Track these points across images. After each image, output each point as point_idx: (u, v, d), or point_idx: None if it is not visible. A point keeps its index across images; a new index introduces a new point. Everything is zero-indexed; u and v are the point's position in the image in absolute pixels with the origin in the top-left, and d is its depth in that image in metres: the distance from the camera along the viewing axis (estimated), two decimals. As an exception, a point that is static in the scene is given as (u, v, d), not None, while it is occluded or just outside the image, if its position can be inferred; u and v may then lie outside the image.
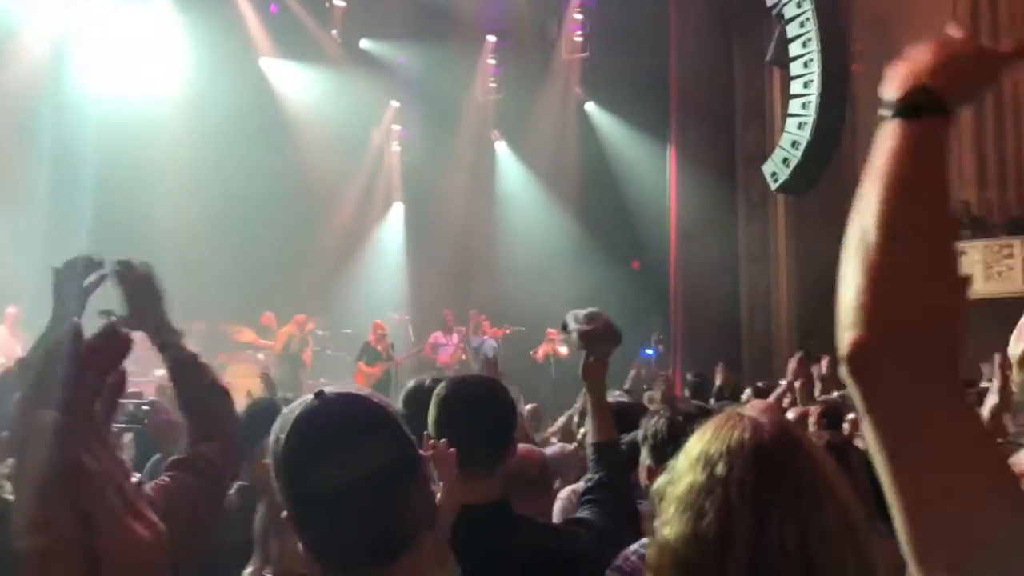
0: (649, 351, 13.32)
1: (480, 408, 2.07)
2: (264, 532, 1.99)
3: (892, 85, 0.86)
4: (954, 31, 0.94)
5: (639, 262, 14.55)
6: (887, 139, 0.83)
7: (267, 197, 12.13)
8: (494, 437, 2.07)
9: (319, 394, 1.25)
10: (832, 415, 3.97)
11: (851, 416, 4.14)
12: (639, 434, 2.49)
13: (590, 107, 15.65)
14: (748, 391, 6.14)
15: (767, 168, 12.43)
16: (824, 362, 5.50)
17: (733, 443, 1.05)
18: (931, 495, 0.73)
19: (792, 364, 4.84)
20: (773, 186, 12.51)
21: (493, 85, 15.60)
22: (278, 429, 1.24)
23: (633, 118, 14.73)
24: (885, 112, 0.84)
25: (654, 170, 14.52)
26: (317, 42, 14.10)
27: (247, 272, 11.69)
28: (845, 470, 2.42)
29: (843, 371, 0.78)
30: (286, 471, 1.21)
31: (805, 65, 11.71)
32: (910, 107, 0.83)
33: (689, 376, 8.22)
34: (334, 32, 14.25)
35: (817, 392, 5.10)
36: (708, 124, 14.19)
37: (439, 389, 2.11)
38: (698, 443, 1.10)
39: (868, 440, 0.77)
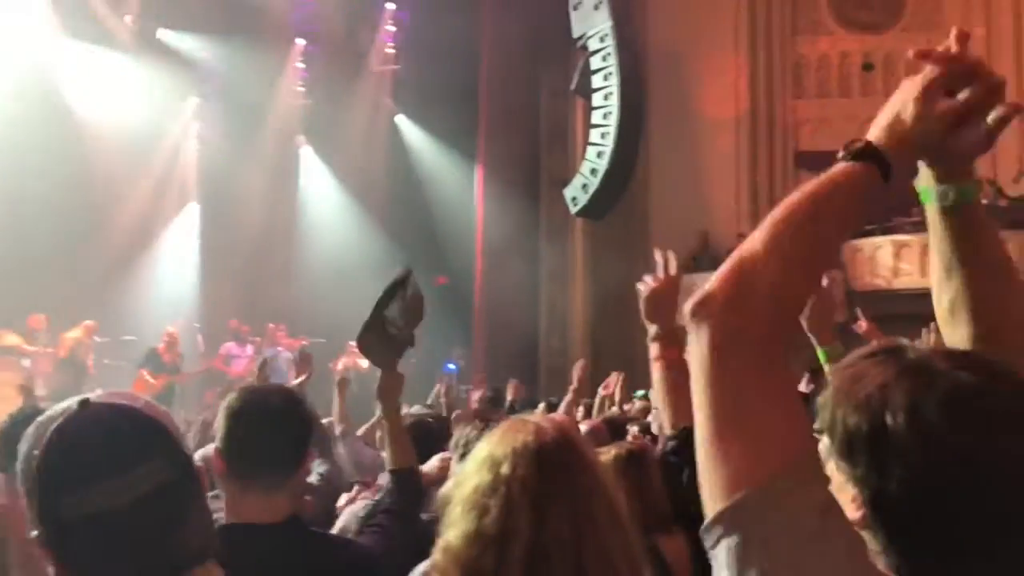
0: (451, 366, 13.47)
1: (272, 421, 1.96)
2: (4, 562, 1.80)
3: (861, 138, 0.96)
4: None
5: (446, 278, 14.68)
6: (835, 171, 0.94)
7: (43, 190, 11.13)
8: (286, 452, 1.96)
9: (83, 402, 1.10)
10: (614, 425, 4.22)
11: (634, 429, 4.41)
12: (451, 444, 2.50)
13: (400, 119, 15.65)
14: (541, 405, 6.33)
15: (568, 192, 12.95)
16: (615, 377, 5.75)
17: (518, 445, 1.12)
18: (728, 431, 0.83)
19: (576, 371, 5.08)
20: (573, 210, 13.05)
21: (301, 89, 15.21)
22: (32, 441, 1.08)
23: (442, 134, 14.88)
24: (841, 155, 0.95)
25: (462, 186, 14.75)
26: (109, 27, 13.14)
27: (15, 271, 10.67)
28: (643, 476, 2.60)
29: (685, 312, 0.88)
30: (40, 490, 1.06)
31: (605, 97, 12.34)
32: (850, 151, 0.94)
33: (482, 392, 8.39)
34: (128, 18, 13.35)
35: (607, 407, 5.36)
36: (515, 145, 14.61)
37: (230, 401, 1.99)
38: (485, 447, 1.17)
39: (694, 386, 0.86)
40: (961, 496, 0.78)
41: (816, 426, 0.91)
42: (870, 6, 14.84)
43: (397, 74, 15.30)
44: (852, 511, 0.85)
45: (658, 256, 2.17)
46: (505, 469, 1.11)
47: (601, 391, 5.01)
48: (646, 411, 4.87)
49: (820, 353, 2.25)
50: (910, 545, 0.82)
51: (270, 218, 14.63)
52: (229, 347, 12.01)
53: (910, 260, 13.13)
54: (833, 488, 0.86)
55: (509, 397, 7.30)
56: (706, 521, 0.85)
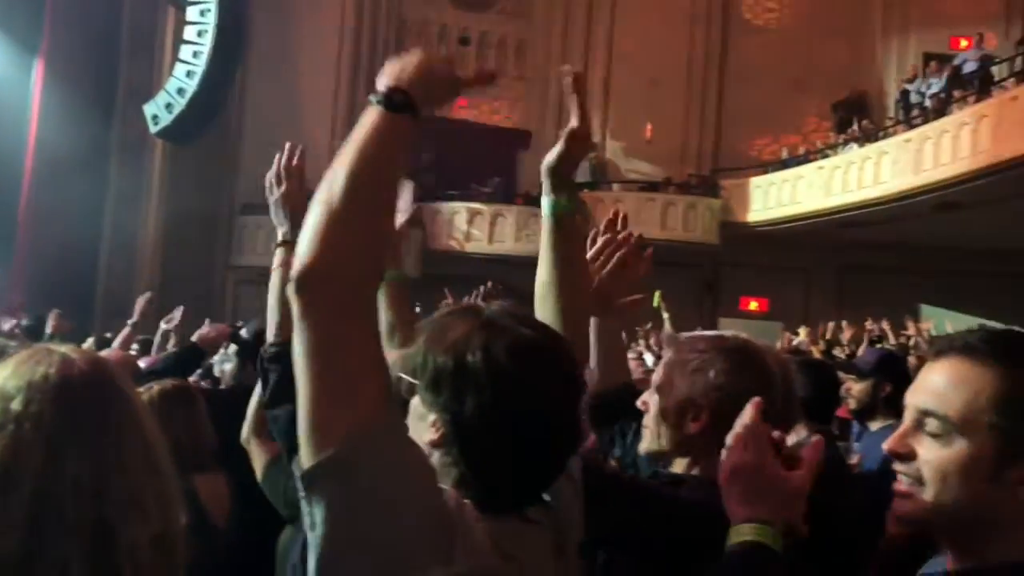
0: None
1: None
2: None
3: (383, 80, 1.07)
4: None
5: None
6: (367, 121, 1.04)
7: None
8: None
9: None
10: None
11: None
12: None
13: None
14: (90, 340, 5.77)
15: (148, 109, 11.88)
16: (179, 312, 5.42)
17: (36, 378, 1.01)
18: (324, 389, 0.96)
19: (139, 304, 4.74)
20: (153, 129, 12.02)
21: None
22: None
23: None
24: (373, 99, 1.06)
25: (16, 83, 12.66)
26: None
27: None
28: (189, 412, 2.54)
29: (290, 288, 0.98)
30: None
31: (202, 14, 11.51)
32: (389, 102, 1.05)
33: (24, 321, 7.43)
34: None
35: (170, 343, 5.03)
36: (89, 45, 12.97)
37: None
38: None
39: (295, 346, 0.98)
40: (514, 416, 1.05)
41: (401, 372, 1.10)
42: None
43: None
44: (431, 434, 1.07)
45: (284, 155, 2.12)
46: (16, 405, 0.98)
47: (163, 324, 4.66)
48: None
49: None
50: (478, 455, 1.06)
51: None
52: None
53: (481, 227, 14.46)
54: (412, 419, 1.10)
55: (49, 330, 6.48)
56: (303, 469, 0.98)
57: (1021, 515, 1.00)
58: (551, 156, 1.41)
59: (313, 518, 0.96)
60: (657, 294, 6.43)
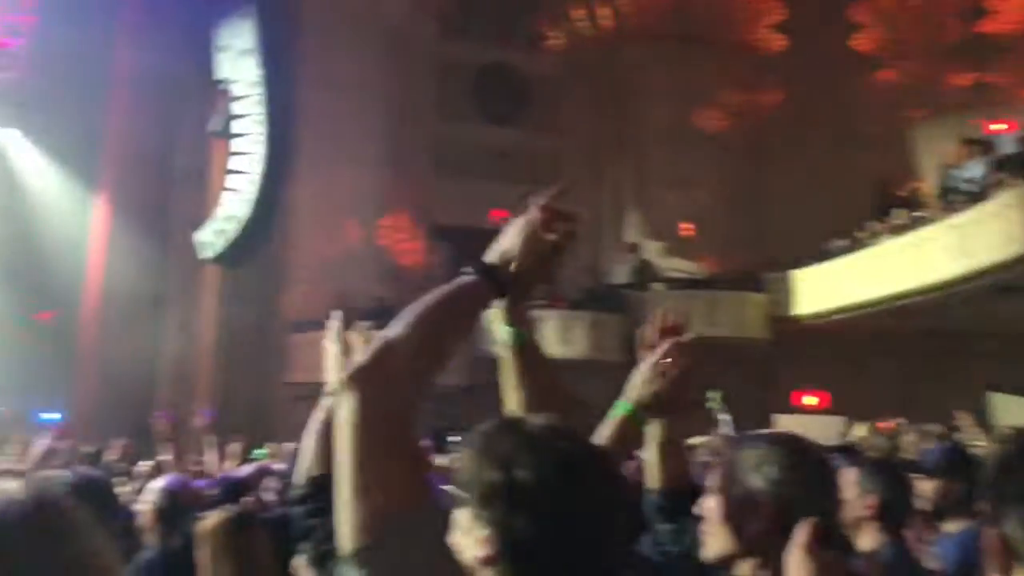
0: (55, 415, 11.77)
1: None
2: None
3: (492, 254, 1.28)
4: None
5: (52, 313, 13.01)
6: (460, 280, 1.25)
7: None
8: None
9: None
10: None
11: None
12: None
13: (10, 133, 13.77)
14: (148, 464, 5.81)
15: (201, 236, 12.33)
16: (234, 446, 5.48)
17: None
18: (366, 487, 1.06)
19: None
20: (205, 255, 12.44)
21: None
22: None
23: (59, 156, 13.39)
24: (473, 269, 1.26)
25: (77, 217, 13.28)
26: None
27: None
28: (250, 539, 2.53)
29: (343, 385, 1.10)
30: None
31: (250, 144, 12.04)
32: (490, 276, 1.25)
33: (87, 448, 7.54)
34: None
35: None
36: (147, 181, 13.61)
37: None
38: None
39: (340, 442, 1.09)
40: (569, 532, 1.08)
41: (451, 486, 1.14)
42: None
43: (11, 82, 13.51)
44: (480, 550, 1.08)
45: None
46: None
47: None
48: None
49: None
50: (534, 572, 1.07)
51: None
52: None
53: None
54: (459, 532, 1.11)
55: (115, 457, 6.57)
56: (342, 556, 1.06)
57: None
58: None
59: None
60: (715, 394, 6.32)
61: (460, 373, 9.46)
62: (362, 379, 1.10)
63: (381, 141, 15.72)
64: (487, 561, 1.06)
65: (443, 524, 1.08)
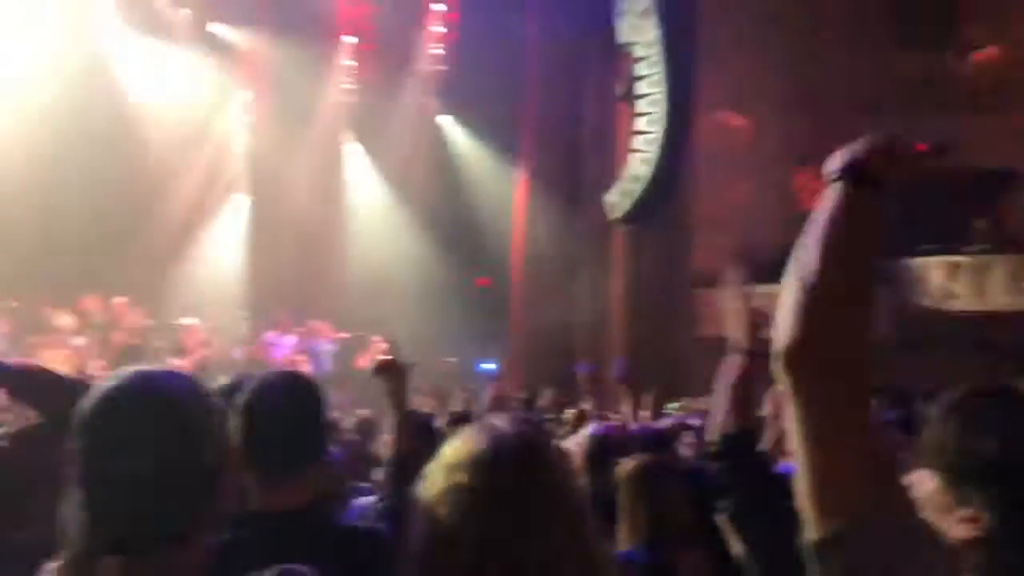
0: (490, 365, 13.51)
1: (284, 411, 1.95)
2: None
3: (838, 159, 1.07)
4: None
5: (489, 279, 14.76)
6: (828, 199, 1.04)
7: (97, 174, 11.42)
8: (300, 440, 1.98)
9: (135, 372, 1.25)
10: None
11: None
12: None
13: (444, 119, 15.76)
14: (571, 411, 6.32)
15: (609, 198, 12.96)
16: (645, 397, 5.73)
17: (473, 451, 1.10)
18: (827, 467, 0.96)
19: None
20: (613, 215, 13.05)
21: (349, 86, 15.40)
22: (85, 402, 1.22)
23: (485, 135, 14.97)
24: (831, 176, 1.06)
25: (502, 190, 14.80)
26: (166, 19, 13.44)
27: (68, 251, 10.98)
28: (661, 488, 2.66)
29: (776, 364, 0.99)
30: (81, 446, 1.18)
31: (651, 104, 12.31)
32: (849, 176, 1.04)
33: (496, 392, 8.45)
34: (184, 11, 13.63)
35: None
36: (559, 150, 14.63)
37: (243, 396, 1.97)
38: (446, 451, 1.15)
39: (790, 421, 0.98)
40: None
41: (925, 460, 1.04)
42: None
43: (443, 75, 15.41)
44: (963, 531, 1.00)
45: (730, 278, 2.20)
46: (459, 476, 1.08)
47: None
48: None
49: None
50: None
51: (316, 212, 14.84)
52: (270, 336, 12.20)
53: (963, 282, 12.68)
54: (932, 511, 1.01)
55: (541, 403, 7.26)
56: (815, 539, 0.98)
57: None
58: None
59: None
60: None
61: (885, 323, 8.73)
62: (797, 361, 0.97)
63: (787, 81, 15.01)
64: (975, 544, 0.98)
65: (910, 501, 0.99)
